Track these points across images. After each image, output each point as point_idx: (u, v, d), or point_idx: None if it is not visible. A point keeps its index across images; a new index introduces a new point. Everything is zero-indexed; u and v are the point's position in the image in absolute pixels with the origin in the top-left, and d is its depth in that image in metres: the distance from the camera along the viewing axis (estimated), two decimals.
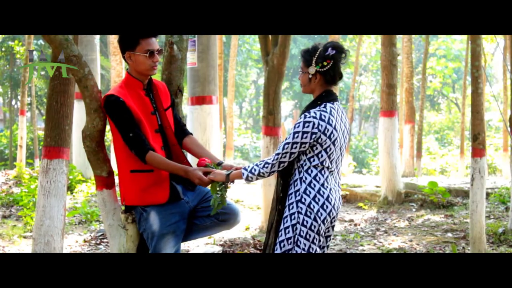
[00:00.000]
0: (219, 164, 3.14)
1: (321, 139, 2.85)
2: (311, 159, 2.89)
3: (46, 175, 3.91)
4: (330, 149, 2.88)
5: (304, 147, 2.86)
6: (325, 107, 2.90)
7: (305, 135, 2.84)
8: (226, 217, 3.25)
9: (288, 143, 2.86)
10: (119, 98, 3.04)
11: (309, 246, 2.87)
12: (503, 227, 5.95)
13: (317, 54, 2.92)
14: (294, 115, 28.02)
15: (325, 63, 2.91)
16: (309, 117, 2.85)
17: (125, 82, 3.16)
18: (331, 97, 2.94)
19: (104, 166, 3.26)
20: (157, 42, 3.14)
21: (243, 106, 30.16)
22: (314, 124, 2.84)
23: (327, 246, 3.03)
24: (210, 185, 3.06)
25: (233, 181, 3.02)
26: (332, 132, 2.86)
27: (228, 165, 3.13)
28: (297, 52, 21.07)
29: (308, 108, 2.93)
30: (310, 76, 2.95)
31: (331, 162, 2.91)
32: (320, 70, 2.92)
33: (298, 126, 2.85)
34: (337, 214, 2.97)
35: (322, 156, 2.88)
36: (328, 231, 2.99)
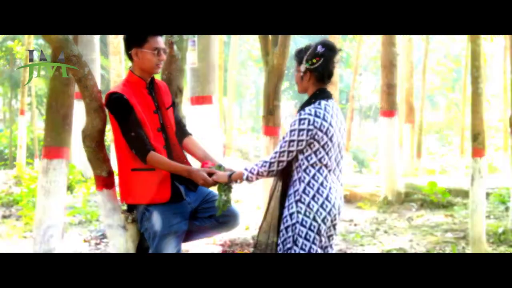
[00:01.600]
0: (220, 167, 3.15)
1: (318, 135, 2.85)
2: (309, 158, 2.88)
3: (46, 175, 3.91)
4: (328, 145, 2.88)
5: (301, 144, 2.86)
6: (319, 104, 2.90)
7: (301, 133, 2.84)
8: (226, 219, 3.24)
9: (285, 141, 2.86)
10: (123, 96, 3.03)
11: (310, 247, 2.86)
12: (503, 227, 5.94)
13: (308, 52, 2.93)
14: (294, 114, 28.04)
15: (314, 61, 2.92)
16: (304, 114, 2.86)
17: (127, 80, 3.16)
18: (324, 95, 2.95)
19: (104, 166, 3.26)
20: (163, 41, 3.16)
21: (243, 106, 30.15)
22: (309, 121, 2.84)
23: (330, 246, 3.02)
24: (217, 186, 3.07)
25: (235, 182, 3.03)
26: (328, 128, 2.86)
27: (230, 169, 3.14)
28: None
29: (302, 107, 2.94)
30: (301, 74, 2.96)
31: (329, 159, 2.91)
32: (309, 67, 2.93)
33: (294, 124, 2.86)
34: (338, 213, 2.96)
35: (320, 153, 2.88)
36: (330, 231, 2.99)
